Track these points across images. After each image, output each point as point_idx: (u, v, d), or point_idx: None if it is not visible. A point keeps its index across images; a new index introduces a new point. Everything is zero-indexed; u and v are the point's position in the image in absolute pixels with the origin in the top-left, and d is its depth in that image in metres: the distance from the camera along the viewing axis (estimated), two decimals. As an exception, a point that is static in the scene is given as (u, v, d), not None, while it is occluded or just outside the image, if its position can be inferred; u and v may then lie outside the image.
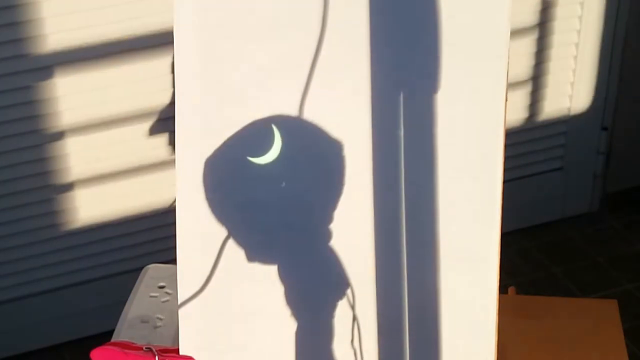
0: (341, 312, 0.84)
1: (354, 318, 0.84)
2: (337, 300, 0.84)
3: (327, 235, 0.83)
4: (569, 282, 1.99)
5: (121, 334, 1.02)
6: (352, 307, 0.84)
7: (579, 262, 2.05)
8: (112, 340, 0.95)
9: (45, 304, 1.84)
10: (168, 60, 1.71)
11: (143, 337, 1.00)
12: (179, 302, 0.86)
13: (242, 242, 0.84)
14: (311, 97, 0.80)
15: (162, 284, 1.09)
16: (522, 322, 1.05)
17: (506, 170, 0.80)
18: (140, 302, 1.07)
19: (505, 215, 0.82)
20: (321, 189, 0.82)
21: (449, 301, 0.84)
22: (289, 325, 0.86)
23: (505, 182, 0.81)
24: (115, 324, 1.04)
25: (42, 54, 1.63)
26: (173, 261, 0.87)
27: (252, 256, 0.84)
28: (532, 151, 2.07)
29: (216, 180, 0.83)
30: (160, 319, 1.04)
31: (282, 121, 0.81)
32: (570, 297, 1.14)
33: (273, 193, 0.83)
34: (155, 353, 0.83)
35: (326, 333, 0.85)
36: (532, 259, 2.06)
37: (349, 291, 0.84)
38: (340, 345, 0.85)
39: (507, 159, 0.85)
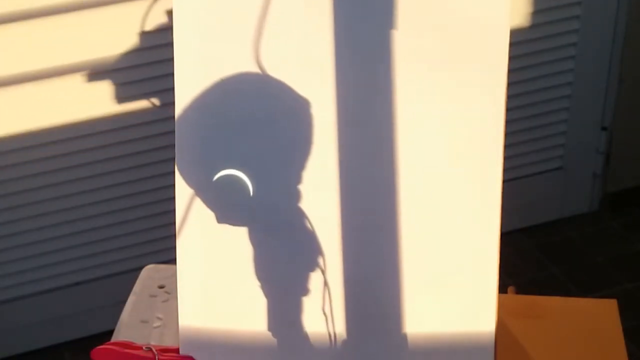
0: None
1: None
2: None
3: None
4: (569, 282, 1.99)
5: (121, 334, 1.02)
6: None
7: (578, 262, 2.05)
8: (112, 340, 0.95)
9: (45, 304, 1.84)
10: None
11: (143, 337, 0.99)
12: (179, 302, 0.86)
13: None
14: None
15: (162, 284, 1.09)
16: (522, 322, 1.04)
17: (506, 170, 0.80)
18: (140, 302, 1.07)
19: (505, 215, 0.82)
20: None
21: (447, 301, 0.84)
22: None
23: (505, 182, 0.81)
24: (115, 324, 1.04)
25: None
26: (173, 261, 0.87)
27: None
28: (532, 151, 2.07)
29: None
30: (160, 319, 1.04)
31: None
32: (570, 297, 1.14)
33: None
34: (155, 353, 0.83)
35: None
36: (532, 259, 2.06)
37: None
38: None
39: (507, 159, 0.84)
